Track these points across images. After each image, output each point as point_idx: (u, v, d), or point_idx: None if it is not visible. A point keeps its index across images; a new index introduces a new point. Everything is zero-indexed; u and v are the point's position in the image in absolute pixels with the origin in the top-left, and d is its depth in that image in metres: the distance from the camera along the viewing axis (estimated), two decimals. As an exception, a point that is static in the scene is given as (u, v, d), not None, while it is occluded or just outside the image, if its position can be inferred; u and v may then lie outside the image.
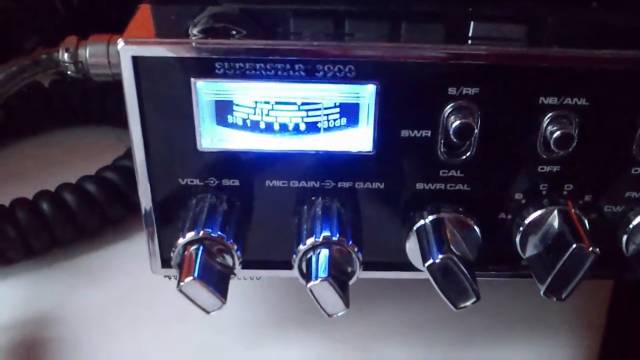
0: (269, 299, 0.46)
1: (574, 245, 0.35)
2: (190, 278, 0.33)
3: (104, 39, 0.40)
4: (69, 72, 0.42)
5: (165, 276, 0.39)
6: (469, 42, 0.35)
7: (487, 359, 0.44)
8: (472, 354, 0.44)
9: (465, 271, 0.35)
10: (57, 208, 0.47)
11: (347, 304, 0.34)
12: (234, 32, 0.34)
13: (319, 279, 0.33)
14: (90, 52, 0.40)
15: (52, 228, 0.47)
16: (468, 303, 0.35)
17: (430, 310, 0.45)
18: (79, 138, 0.59)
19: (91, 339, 0.44)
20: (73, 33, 0.41)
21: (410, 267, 0.38)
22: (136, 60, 0.33)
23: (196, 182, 0.37)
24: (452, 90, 0.34)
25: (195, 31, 0.34)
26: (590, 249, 0.35)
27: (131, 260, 0.48)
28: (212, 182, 0.37)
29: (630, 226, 0.38)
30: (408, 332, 0.45)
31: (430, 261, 0.34)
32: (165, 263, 0.39)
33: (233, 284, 0.37)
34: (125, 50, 0.33)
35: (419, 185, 0.37)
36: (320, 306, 0.34)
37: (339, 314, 0.34)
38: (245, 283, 0.44)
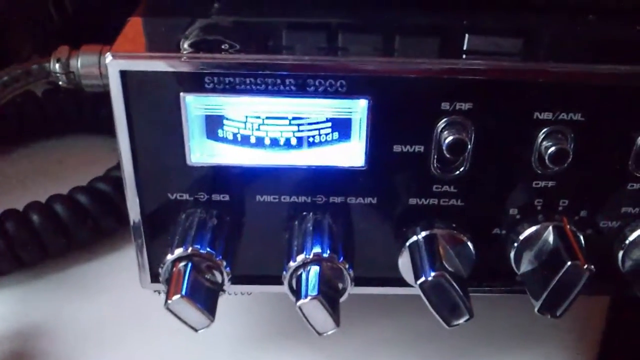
0: (261, 314, 0.45)
1: (569, 263, 0.34)
2: (178, 296, 0.32)
3: (96, 49, 0.40)
4: (60, 83, 0.42)
5: (155, 291, 0.39)
6: (464, 56, 0.35)
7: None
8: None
9: (458, 288, 0.34)
10: (47, 220, 0.46)
11: (337, 323, 0.33)
12: (225, 46, 0.34)
13: (309, 297, 0.32)
14: (81, 62, 0.40)
15: (42, 240, 0.46)
16: (461, 321, 0.35)
17: (422, 326, 0.44)
18: (72, 148, 0.59)
19: (82, 352, 0.43)
20: (69, 42, 0.41)
21: (402, 283, 0.38)
22: (124, 74, 0.33)
23: (186, 196, 0.36)
24: (445, 105, 0.34)
25: (185, 45, 0.34)
26: (585, 266, 0.35)
27: (123, 273, 0.47)
28: (201, 196, 0.36)
29: (627, 242, 0.38)
30: (400, 347, 0.44)
31: (423, 279, 0.34)
32: (155, 277, 0.38)
33: (224, 299, 0.37)
34: (113, 65, 0.32)
35: (412, 201, 0.37)
36: (310, 324, 0.33)
37: (329, 333, 0.33)
38: (236, 298, 0.43)
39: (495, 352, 0.44)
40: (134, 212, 0.36)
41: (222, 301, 0.37)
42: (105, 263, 0.49)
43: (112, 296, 0.46)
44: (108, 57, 0.32)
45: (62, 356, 0.43)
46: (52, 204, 0.47)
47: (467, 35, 0.36)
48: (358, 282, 0.36)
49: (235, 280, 0.36)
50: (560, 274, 0.35)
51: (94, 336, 0.44)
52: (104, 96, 0.55)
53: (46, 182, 0.52)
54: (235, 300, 0.44)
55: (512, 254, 0.38)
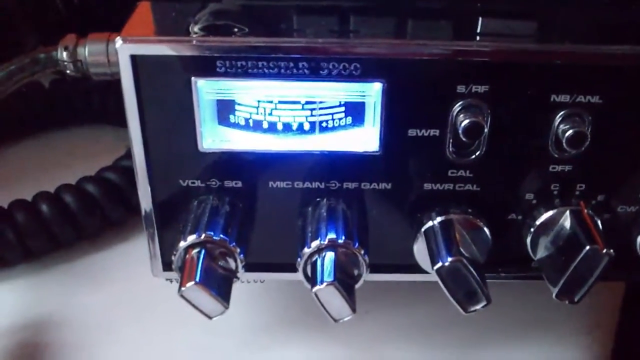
0: (273, 302, 0.45)
1: (588, 247, 0.34)
2: (192, 283, 0.32)
3: (103, 37, 0.39)
4: (68, 71, 0.41)
5: (167, 279, 0.39)
6: (478, 38, 0.34)
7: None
8: (479, 357, 0.43)
9: (475, 274, 0.34)
10: (56, 210, 0.46)
11: (353, 309, 0.33)
12: (235, 30, 0.33)
13: (325, 284, 0.32)
14: (89, 50, 0.39)
15: (51, 230, 0.46)
16: (478, 307, 0.34)
17: (436, 313, 0.44)
18: (80, 138, 0.58)
19: (92, 342, 0.43)
20: (74, 32, 0.41)
21: (418, 270, 0.37)
22: (135, 59, 0.32)
23: (197, 183, 0.36)
24: (460, 88, 0.33)
25: (196, 29, 0.33)
26: (605, 250, 0.34)
27: (133, 262, 0.47)
28: (214, 183, 0.36)
29: (645, 226, 0.37)
30: (413, 334, 0.44)
31: (440, 264, 0.33)
32: (167, 266, 0.38)
33: (236, 287, 0.37)
34: (123, 49, 0.32)
35: (427, 186, 0.36)
36: (326, 311, 0.33)
37: (345, 319, 0.33)
38: (248, 285, 0.43)
39: (509, 338, 0.44)
40: (146, 200, 0.36)
41: (233, 290, 0.37)
42: (114, 253, 0.49)
43: (122, 286, 0.46)
44: (118, 42, 0.32)
45: (72, 346, 0.43)
46: (61, 194, 0.47)
47: (480, 18, 0.36)
48: (372, 269, 0.36)
49: (249, 267, 0.36)
50: (579, 258, 0.34)
51: (103, 326, 0.44)
52: (112, 86, 0.55)
53: (55, 172, 0.51)
54: (244, 287, 0.44)
55: (528, 240, 0.37)
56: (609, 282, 0.47)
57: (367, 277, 0.35)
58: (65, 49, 0.40)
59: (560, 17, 0.37)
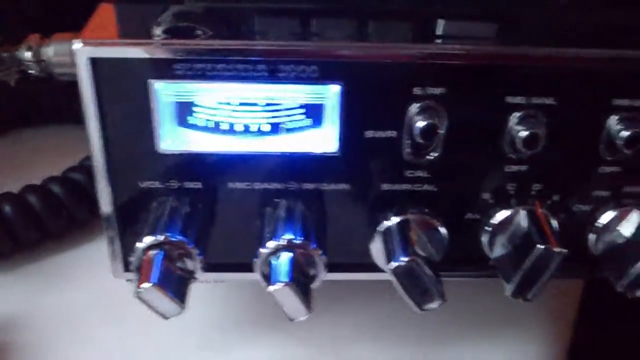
0: (235, 301, 0.45)
1: (540, 247, 0.35)
2: (148, 284, 0.32)
3: (68, 37, 0.39)
4: (31, 71, 0.41)
5: (128, 280, 0.39)
6: (437, 41, 0.35)
7: (457, 357, 0.44)
8: (442, 353, 0.44)
9: (430, 273, 0.34)
10: (21, 211, 0.46)
11: (309, 309, 0.33)
12: (198, 32, 0.33)
13: (280, 284, 0.32)
14: (54, 51, 0.39)
15: (15, 231, 0.46)
16: (433, 305, 0.35)
17: (399, 310, 0.44)
18: (46, 137, 0.58)
19: (56, 342, 0.43)
20: (41, 32, 0.41)
21: (377, 269, 0.38)
22: (94, 62, 0.32)
23: (157, 184, 0.36)
24: (417, 90, 0.34)
25: (157, 31, 0.34)
26: (557, 249, 0.35)
27: (98, 262, 0.46)
28: (173, 184, 0.36)
29: (599, 225, 0.38)
30: (376, 332, 0.45)
31: (394, 264, 0.34)
32: (127, 266, 0.38)
33: (197, 287, 0.37)
34: (82, 52, 0.32)
35: (385, 186, 0.37)
36: (283, 310, 0.33)
37: (301, 319, 0.33)
38: (212, 285, 0.43)
39: (471, 333, 0.45)
40: (105, 202, 0.36)
41: (193, 289, 0.37)
42: (79, 253, 0.49)
43: (87, 286, 0.46)
44: (77, 44, 0.32)
45: (36, 346, 0.43)
46: (26, 195, 0.47)
47: (440, 20, 0.36)
48: (332, 268, 0.36)
49: (208, 267, 0.36)
50: (532, 257, 0.35)
51: (67, 326, 0.44)
52: (77, 85, 0.55)
53: (20, 172, 0.51)
54: (208, 287, 0.44)
55: (485, 239, 0.38)
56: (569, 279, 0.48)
57: (326, 276, 0.36)
58: (29, 48, 0.40)
59: (518, 19, 0.38)
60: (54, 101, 0.58)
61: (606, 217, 0.38)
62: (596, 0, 0.40)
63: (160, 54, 0.32)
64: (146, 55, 0.32)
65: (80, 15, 0.37)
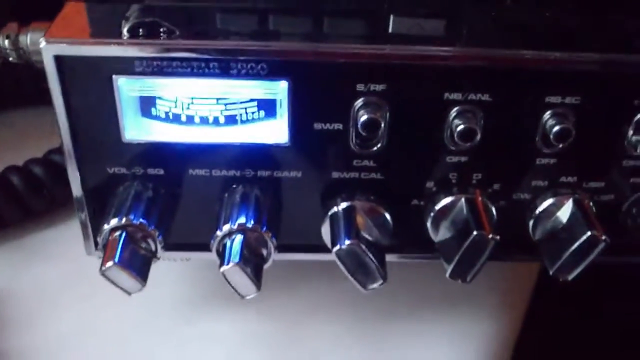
0: (203, 278, 0.48)
1: (475, 232, 0.37)
2: (111, 263, 0.35)
3: (45, 26, 0.42)
4: (10, 59, 0.43)
5: (99, 257, 0.41)
6: (385, 38, 0.37)
7: (409, 331, 0.47)
8: (395, 327, 0.47)
9: (372, 256, 0.37)
10: (3, 190, 0.49)
11: (258, 287, 0.36)
12: (162, 29, 0.36)
13: (231, 264, 0.35)
14: (31, 39, 0.41)
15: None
16: (375, 285, 0.38)
17: (354, 289, 0.47)
18: (28, 120, 0.60)
19: (38, 317, 0.46)
20: (20, 20, 0.43)
21: (328, 250, 0.41)
22: (59, 59, 0.35)
23: (123, 170, 0.39)
24: (360, 87, 0.36)
25: (123, 29, 0.36)
26: (490, 235, 0.37)
27: (77, 240, 0.50)
28: (138, 171, 0.39)
29: (537, 212, 0.41)
30: (336, 308, 0.47)
31: (338, 247, 0.37)
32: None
33: (167, 265, 0.39)
34: (47, 50, 0.35)
35: (335, 174, 0.39)
36: (234, 288, 0.36)
37: (251, 296, 0.36)
38: (180, 263, 0.46)
39: (424, 310, 0.48)
40: (76, 185, 0.39)
41: (163, 267, 0.40)
42: (60, 231, 0.51)
43: (66, 263, 0.49)
44: (42, 43, 0.35)
45: (17, 320, 0.46)
46: (8, 175, 0.50)
47: (392, 17, 0.39)
48: (286, 249, 0.39)
49: (171, 247, 0.39)
50: (468, 242, 0.37)
51: (48, 302, 0.47)
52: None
53: (2, 154, 0.53)
54: (179, 265, 0.47)
55: (429, 224, 0.40)
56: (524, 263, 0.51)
57: (278, 256, 0.39)
58: (7, 37, 0.42)
59: (460, 19, 0.40)
60: (36, 84, 0.60)
61: (543, 205, 0.41)
62: (539, 1, 0.42)
63: (122, 52, 0.35)
64: (108, 54, 0.35)
65: (60, 5, 0.40)
